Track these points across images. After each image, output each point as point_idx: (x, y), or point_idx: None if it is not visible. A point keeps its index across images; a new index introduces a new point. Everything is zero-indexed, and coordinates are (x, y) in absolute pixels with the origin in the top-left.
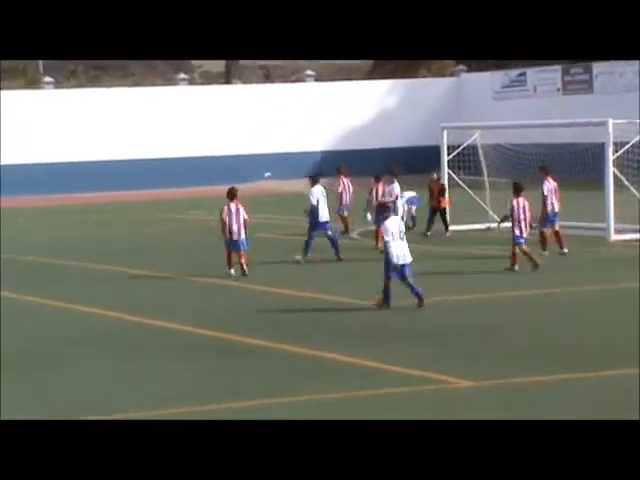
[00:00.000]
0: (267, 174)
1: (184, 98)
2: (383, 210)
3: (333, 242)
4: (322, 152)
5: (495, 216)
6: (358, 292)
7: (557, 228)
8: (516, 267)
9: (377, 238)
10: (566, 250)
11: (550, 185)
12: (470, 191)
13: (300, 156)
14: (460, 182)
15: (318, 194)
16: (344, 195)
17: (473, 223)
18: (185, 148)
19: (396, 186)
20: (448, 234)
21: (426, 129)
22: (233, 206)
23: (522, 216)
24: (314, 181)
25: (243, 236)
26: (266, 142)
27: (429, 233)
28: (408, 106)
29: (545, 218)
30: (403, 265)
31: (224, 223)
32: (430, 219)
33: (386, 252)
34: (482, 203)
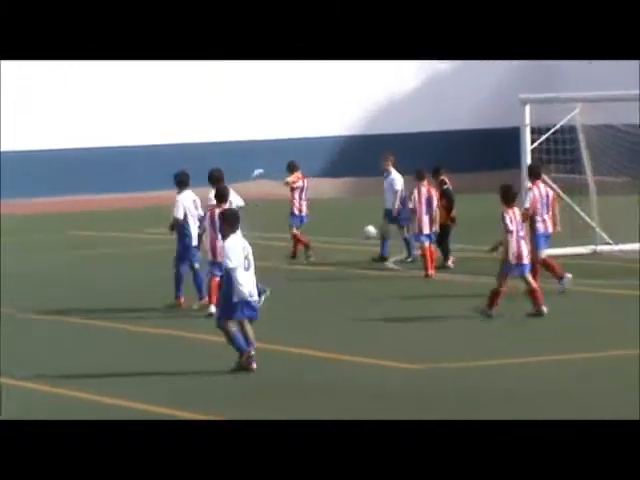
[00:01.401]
0: (257, 171)
1: (149, 70)
2: (226, 221)
3: (197, 279)
4: (343, 137)
5: (605, 235)
6: (385, 350)
7: (543, 255)
8: (492, 311)
9: (429, 263)
10: (569, 275)
11: (537, 193)
12: (565, 196)
13: (307, 143)
14: (550, 182)
15: (187, 204)
16: (300, 201)
17: (570, 245)
18: (148, 134)
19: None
20: (449, 262)
21: (497, 104)
22: (218, 212)
23: (520, 232)
24: (182, 184)
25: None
26: (261, 126)
27: (450, 262)
28: (468, 72)
29: (532, 240)
30: (249, 303)
31: (201, 235)
32: (437, 241)
33: (229, 285)
34: (584, 215)
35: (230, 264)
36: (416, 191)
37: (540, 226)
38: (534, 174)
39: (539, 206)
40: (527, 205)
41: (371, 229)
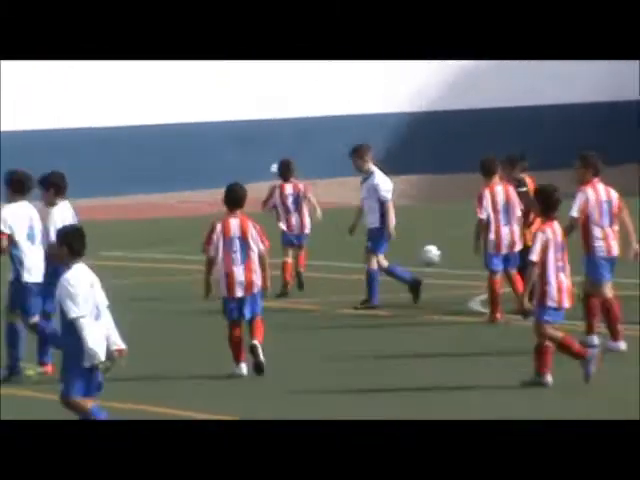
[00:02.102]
0: (275, 167)
1: (151, 70)
2: (66, 240)
3: (44, 337)
4: (401, 114)
5: None
6: None
7: (608, 294)
8: (548, 378)
9: (493, 308)
10: (622, 345)
11: (593, 196)
12: None
13: (359, 122)
14: None
15: (16, 221)
16: (288, 216)
17: None
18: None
19: None
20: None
21: (625, 68)
22: (235, 224)
23: (559, 262)
24: (55, 190)
25: (257, 288)
26: (282, 102)
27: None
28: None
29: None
30: (93, 369)
31: (210, 261)
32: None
33: (73, 342)
34: None
35: (74, 311)
36: (488, 193)
37: (599, 245)
38: (589, 166)
39: (596, 215)
40: (575, 213)
41: (433, 251)
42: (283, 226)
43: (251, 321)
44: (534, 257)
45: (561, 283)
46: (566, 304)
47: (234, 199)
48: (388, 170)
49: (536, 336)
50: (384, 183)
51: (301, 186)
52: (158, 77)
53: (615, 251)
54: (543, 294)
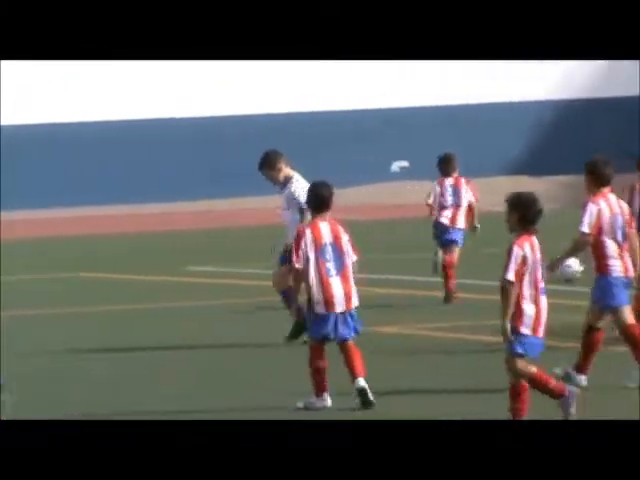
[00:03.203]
0: (397, 165)
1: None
2: None
3: None
4: (544, 103)
5: None
6: None
7: (628, 319)
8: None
9: None
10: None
11: (605, 210)
12: None
13: (492, 111)
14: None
15: None
16: (442, 210)
17: None
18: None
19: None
20: None
21: None
22: (325, 228)
23: (540, 283)
24: None
25: (355, 302)
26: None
27: None
28: None
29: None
30: None
31: (298, 276)
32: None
33: None
34: None
35: None
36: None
37: (613, 265)
38: (595, 174)
39: (611, 231)
40: (586, 229)
41: (574, 266)
42: (441, 219)
43: (344, 347)
44: (511, 276)
45: (540, 309)
46: (542, 333)
47: (320, 199)
48: (528, 169)
49: (510, 374)
50: (303, 189)
51: (463, 180)
52: (179, 68)
53: (629, 271)
54: (518, 322)
